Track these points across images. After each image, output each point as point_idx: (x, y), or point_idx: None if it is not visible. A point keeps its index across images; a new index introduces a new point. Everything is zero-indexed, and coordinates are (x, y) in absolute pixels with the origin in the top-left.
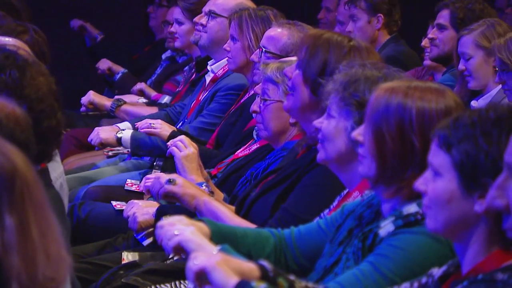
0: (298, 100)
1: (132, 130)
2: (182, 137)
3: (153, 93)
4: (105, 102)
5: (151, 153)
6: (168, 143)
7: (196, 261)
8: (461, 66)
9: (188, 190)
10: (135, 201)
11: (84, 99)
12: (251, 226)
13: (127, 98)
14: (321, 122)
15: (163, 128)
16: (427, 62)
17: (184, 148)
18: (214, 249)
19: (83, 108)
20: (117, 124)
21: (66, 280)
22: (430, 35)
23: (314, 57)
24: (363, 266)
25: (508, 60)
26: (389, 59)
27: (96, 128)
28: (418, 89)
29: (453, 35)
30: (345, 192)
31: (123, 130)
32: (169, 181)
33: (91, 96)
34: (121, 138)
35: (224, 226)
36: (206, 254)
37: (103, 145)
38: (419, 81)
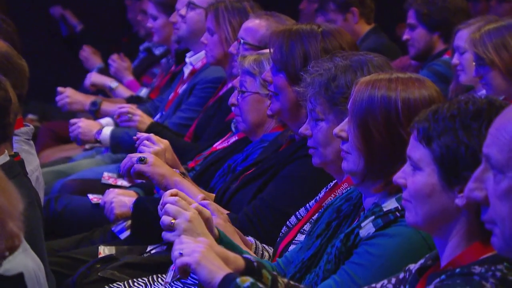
0: (286, 101)
1: (111, 127)
2: (150, 135)
3: (107, 81)
4: (84, 106)
5: (131, 151)
6: (136, 144)
7: (180, 252)
8: (455, 60)
9: (158, 169)
10: (113, 189)
11: (61, 99)
12: (224, 211)
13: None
14: (307, 128)
15: (141, 121)
16: (413, 62)
17: (152, 145)
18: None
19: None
20: (99, 120)
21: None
22: (404, 37)
23: (292, 54)
24: (340, 276)
25: (484, 54)
26: (370, 51)
27: (78, 123)
28: (399, 80)
29: (423, 32)
30: (332, 183)
31: (103, 127)
32: (140, 160)
33: (68, 106)
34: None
35: (232, 242)
36: (190, 245)
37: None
38: (399, 72)
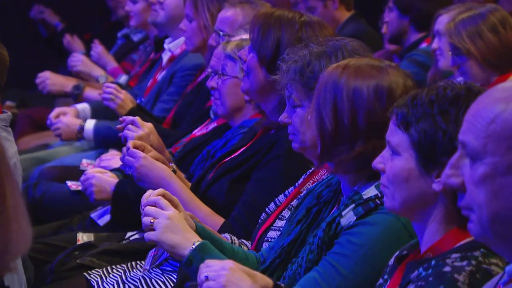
0: (255, 82)
1: (93, 122)
2: (135, 118)
3: (96, 72)
4: (65, 88)
5: (116, 144)
6: (118, 126)
7: (206, 276)
8: (434, 45)
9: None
10: (93, 171)
11: (41, 81)
12: (208, 209)
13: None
14: (286, 116)
15: (121, 105)
16: (387, 46)
17: (136, 129)
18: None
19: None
20: (75, 105)
21: (20, 256)
22: (385, 19)
23: (266, 37)
24: (323, 267)
25: (460, 44)
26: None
27: (57, 124)
28: (353, 66)
29: (396, 14)
30: (310, 170)
31: (85, 122)
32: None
33: (48, 88)
34: (82, 136)
35: (213, 236)
36: (215, 267)
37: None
38: (366, 58)
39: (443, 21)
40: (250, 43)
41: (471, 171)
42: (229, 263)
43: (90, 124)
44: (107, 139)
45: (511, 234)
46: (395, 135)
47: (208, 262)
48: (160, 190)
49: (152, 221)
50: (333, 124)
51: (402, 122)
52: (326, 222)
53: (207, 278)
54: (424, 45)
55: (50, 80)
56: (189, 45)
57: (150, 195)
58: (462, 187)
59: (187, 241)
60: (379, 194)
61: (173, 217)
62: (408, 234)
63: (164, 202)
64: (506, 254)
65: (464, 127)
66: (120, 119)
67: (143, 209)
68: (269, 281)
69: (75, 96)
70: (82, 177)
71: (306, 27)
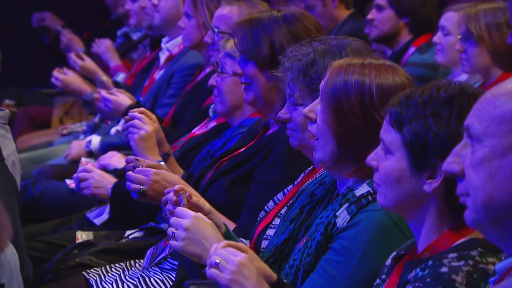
0: (260, 89)
1: (99, 138)
2: (141, 116)
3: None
4: (77, 96)
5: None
6: (124, 125)
7: (216, 262)
8: (436, 39)
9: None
10: (92, 169)
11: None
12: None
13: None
14: (286, 113)
15: (115, 104)
16: (374, 45)
17: (142, 125)
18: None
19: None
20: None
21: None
22: (369, 16)
23: (257, 42)
24: (321, 279)
25: (475, 29)
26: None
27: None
28: (373, 66)
29: (391, 14)
30: (309, 168)
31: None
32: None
33: (64, 86)
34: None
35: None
36: (228, 257)
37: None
38: (372, 57)
39: (449, 17)
40: (239, 55)
41: (472, 155)
42: (242, 257)
43: (96, 139)
44: (114, 149)
45: (503, 219)
46: (388, 134)
47: (228, 245)
48: (179, 187)
49: (174, 231)
50: (362, 123)
51: (396, 121)
52: (324, 225)
53: (217, 264)
54: (412, 49)
55: (64, 85)
56: (186, 42)
57: (171, 194)
58: (462, 173)
59: (207, 251)
60: (371, 191)
61: (191, 226)
62: (400, 230)
63: (181, 210)
64: (499, 241)
65: (471, 113)
66: (126, 117)
67: (167, 214)
68: (274, 275)
69: (88, 107)
70: (82, 173)
71: (291, 20)
